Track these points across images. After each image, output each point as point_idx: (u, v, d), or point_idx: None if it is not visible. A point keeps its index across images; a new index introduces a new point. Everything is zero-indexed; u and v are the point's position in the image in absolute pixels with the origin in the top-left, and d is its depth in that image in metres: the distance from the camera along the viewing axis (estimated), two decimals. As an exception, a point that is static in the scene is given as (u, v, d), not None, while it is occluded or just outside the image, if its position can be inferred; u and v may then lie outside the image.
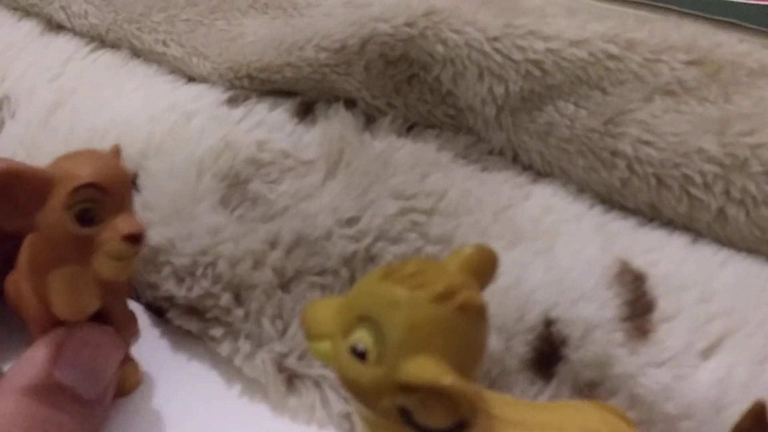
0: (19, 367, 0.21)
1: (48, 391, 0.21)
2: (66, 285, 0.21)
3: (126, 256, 0.20)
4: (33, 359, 0.21)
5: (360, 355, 0.16)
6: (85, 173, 0.19)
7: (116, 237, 0.20)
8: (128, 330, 0.24)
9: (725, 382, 0.20)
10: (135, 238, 0.20)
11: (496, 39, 0.26)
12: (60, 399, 0.21)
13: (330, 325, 0.16)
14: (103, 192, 0.20)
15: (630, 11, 0.33)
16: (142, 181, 0.28)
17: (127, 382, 0.24)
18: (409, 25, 0.27)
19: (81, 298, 0.22)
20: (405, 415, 0.15)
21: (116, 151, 0.22)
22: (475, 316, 0.16)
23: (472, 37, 0.26)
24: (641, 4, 0.33)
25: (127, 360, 0.24)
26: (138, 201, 0.27)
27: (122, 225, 0.20)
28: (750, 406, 0.16)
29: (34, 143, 0.30)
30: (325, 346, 0.16)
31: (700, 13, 0.32)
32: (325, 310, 0.17)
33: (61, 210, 0.19)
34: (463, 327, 0.15)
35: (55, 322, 0.22)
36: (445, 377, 0.14)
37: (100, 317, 0.23)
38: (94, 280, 0.21)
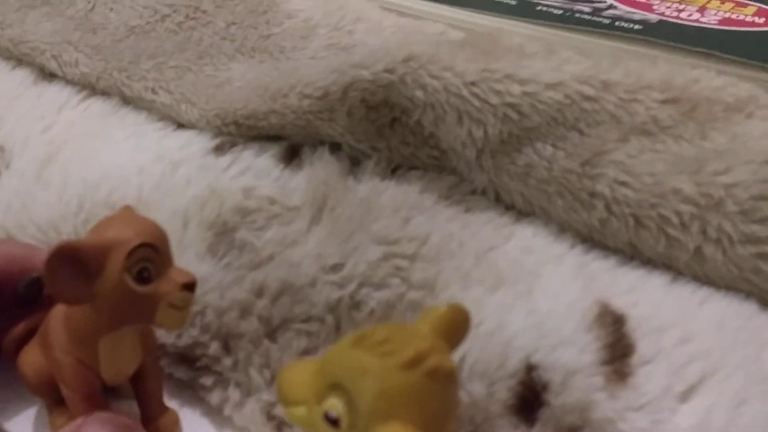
0: None
1: None
2: (115, 348, 0.22)
3: (186, 304, 0.21)
4: None
5: (333, 422, 0.16)
6: (134, 235, 0.21)
7: (175, 288, 0.21)
8: (159, 380, 0.25)
9: (704, 426, 0.21)
10: (191, 286, 0.21)
11: (473, 84, 0.26)
12: None
13: (304, 391, 0.17)
14: (155, 250, 0.21)
15: (610, 43, 0.34)
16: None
17: (171, 429, 0.24)
18: (388, 71, 0.27)
19: (128, 359, 0.23)
20: (378, 479, 0.16)
21: (131, 210, 0.23)
22: (445, 380, 0.16)
23: (450, 82, 0.27)
24: (621, 36, 0.34)
25: (164, 409, 0.25)
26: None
27: (177, 276, 0.21)
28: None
29: (29, 195, 0.31)
30: (300, 411, 0.17)
31: (679, 45, 0.32)
32: (300, 375, 0.17)
33: (120, 274, 0.20)
34: (432, 391, 0.16)
35: (99, 389, 0.23)
36: (414, 444, 0.15)
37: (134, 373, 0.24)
38: (137, 339, 0.23)
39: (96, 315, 0.21)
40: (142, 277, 0.21)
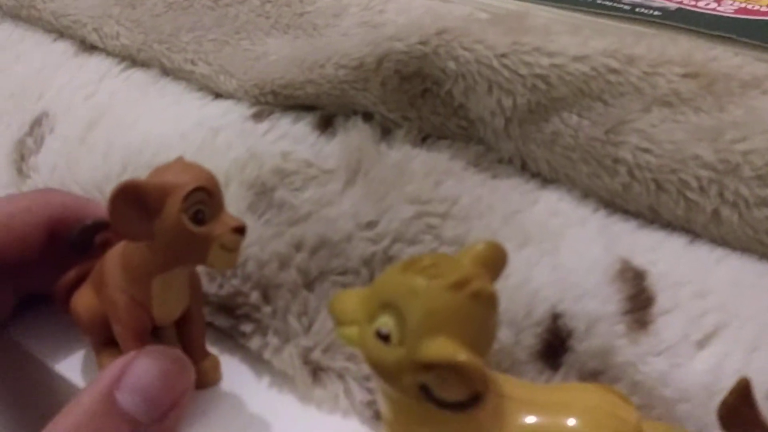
0: (88, 387, 0.23)
1: (108, 413, 0.22)
2: (167, 288, 0.24)
3: (236, 246, 0.23)
4: (100, 380, 0.23)
5: (384, 337, 0.17)
6: (191, 180, 0.22)
7: (227, 230, 0.22)
8: (202, 325, 0.26)
9: (718, 370, 0.22)
10: (241, 230, 0.23)
11: (504, 55, 0.28)
12: (117, 422, 0.22)
13: (357, 312, 0.18)
14: (209, 194, 0.22)
15: (630, 27, 0.35)
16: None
17: (207, 376, 0.26)
18: (422, 43, 0.29)
19: (178, 300, 0.24)
20: (425, 391, 0.17)
21: (184, 159, 0.24)
22: (487, 302, 0.17)
23: (482, 54, 0.28)
24: (641, 20, 0.35)
25: (206, 354, 0.26)
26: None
27: (229, 220, 0.23)
28: (735, 383, 0.17)
29: (73, 158, 0.33)
30: (352, 330, 0.18)
31: (699, 29, 0.34)
32: (352, 299, 0.19)
33: (178, 214, 0.22)
34: (475, 312, 0.17)
35: (149, 328, 0.24)
36: (460, 355, 0.16)
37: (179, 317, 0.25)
38: (186, 281, 0.24)
39: (152, 254, 0.23)
40: (197, 219, 0.22)
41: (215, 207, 0.23)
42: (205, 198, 0.22)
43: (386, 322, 0.17)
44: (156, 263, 0.23)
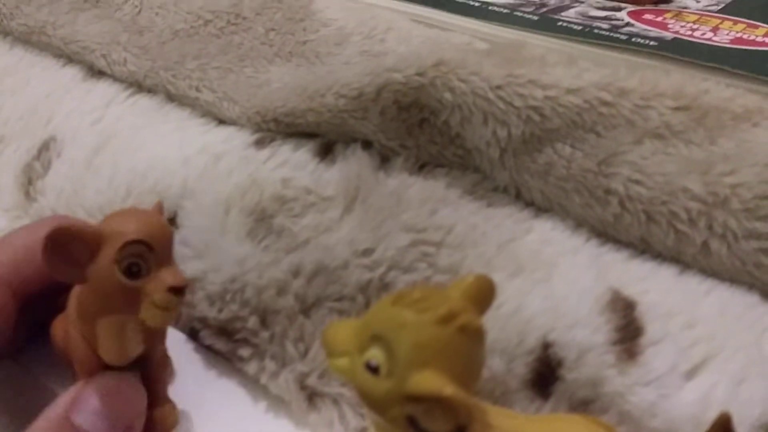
0: (45, 412, 0.23)
1: None
2: (113, 332, 0.23)
3: (171, 306, 0.22)
4: (56, 405, 0.23)
5: (373, 369, 0.18)
6: (132, 230, 0.21)
7: (162, 289, 0.21)
8: (164, 370, 0.26)
9: (706, 401, 0.22)
10: (179, 290, 0.21)
11: (499, 87, 0.28)
12: None
13: (347, 343, 0.19)
14: (149, 248, 0.21)
15: (627, 57, 0.36)
16: (180, 219, 0.30)
17: (166, 421, 0.25)
18: (420, 74, 0.30)
19: (127, 344, 0.23)
20: (412, 422, 0.17)
21: (159, 208, 0.24)
22: (474, 336, 0.18)
23: (477, 86, 0.29)
24: (638, 51, 0.36)
25: (165, 401, 0.25)
26: (177, 238, 0.29)
27: (167, 277, 0.21)
28: (716, 417, 0.18)
29: (80, 182, 0.33)
30: (343, 362, 0.19)
31: (694, 60, 0.35)
32: (344, 330, 0.19)
33: (110, 264, 0.21)
34: (462, 346, 0.18)
35: (100, 366, 0.24)
36: (447, 388, 0.17)
37: (139, 360, 0.24)
38: (139, 327, 0.23)
39: (93, 297, 0.23)
40: (131, 272, 0.21)
41: (157, 261, 0.22)
42: (143, 251, 0.21)
43: (376, 355, 0.18)
44: (95, 307, 0.23)
